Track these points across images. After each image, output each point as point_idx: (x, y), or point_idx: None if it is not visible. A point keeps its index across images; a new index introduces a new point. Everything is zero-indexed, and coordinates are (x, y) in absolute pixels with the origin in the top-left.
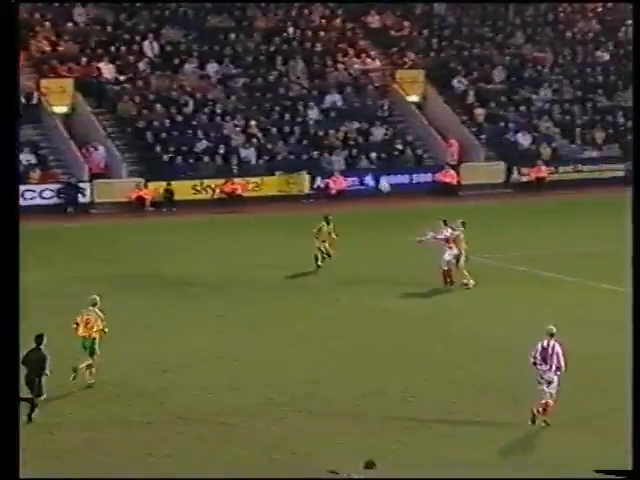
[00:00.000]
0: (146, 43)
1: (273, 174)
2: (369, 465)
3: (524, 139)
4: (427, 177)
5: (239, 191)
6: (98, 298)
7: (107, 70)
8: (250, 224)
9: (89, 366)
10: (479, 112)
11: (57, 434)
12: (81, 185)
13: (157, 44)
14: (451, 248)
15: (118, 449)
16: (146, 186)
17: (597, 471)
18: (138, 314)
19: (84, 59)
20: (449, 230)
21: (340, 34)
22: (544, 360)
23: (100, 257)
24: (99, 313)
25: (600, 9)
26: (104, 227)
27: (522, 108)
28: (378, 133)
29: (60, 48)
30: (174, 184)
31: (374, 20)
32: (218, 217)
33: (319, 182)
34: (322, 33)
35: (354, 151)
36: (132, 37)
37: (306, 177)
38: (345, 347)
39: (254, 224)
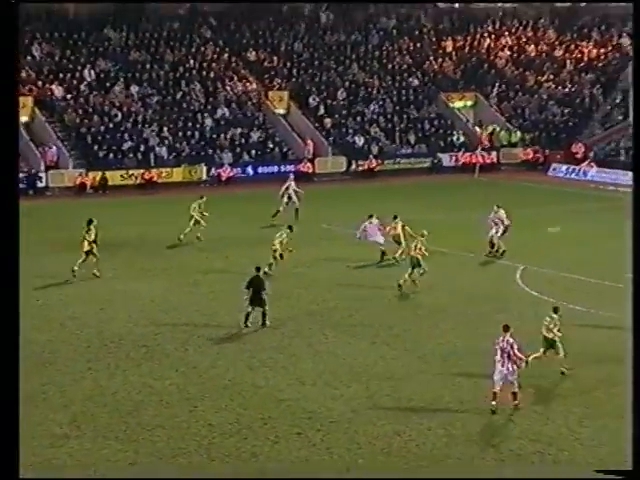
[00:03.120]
0: (85, 71)
1: (179, 166)
2: None
3: (359, 140)
4: (291, 167)
5: (154, 178)
6: (426, 232)
7: (57, 91)
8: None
9: (410, 275)
10: (327, 121)
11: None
12: (39, 174)
13: (93, 72)
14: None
15: (67, 365)
16: (87, 175)
17: (597, 471)
18: (81, 267)
19: (40, 83)
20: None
21: (227, 65)
22: None
23: (53, 226)
24: (423, 241)
25: (412, 47)
26: (56, 205)
27: (358, 118)
28: (255, 136)
29: (23, 75)
30: (107, 173)
31: (251, 55)
32: (139, 197)
33: (213, 172)
34: (214, 64)
35: (238, 149)
36: (75, 66)
37: (204, 168)
38: (230, 290)
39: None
